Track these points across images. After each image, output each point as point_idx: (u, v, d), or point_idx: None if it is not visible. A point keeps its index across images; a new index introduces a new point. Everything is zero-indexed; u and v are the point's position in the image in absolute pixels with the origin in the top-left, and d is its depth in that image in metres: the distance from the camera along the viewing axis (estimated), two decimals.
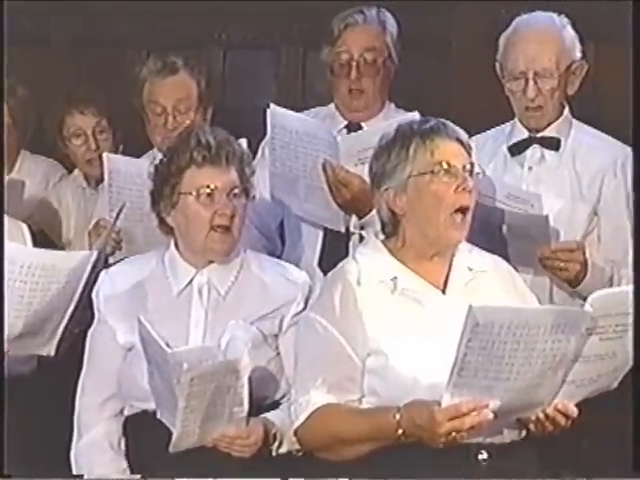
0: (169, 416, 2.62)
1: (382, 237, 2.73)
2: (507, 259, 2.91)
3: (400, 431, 2.53)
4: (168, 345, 2.61)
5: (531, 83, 3.10)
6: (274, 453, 2.72)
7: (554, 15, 3.17)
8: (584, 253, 3.03)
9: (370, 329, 2.62)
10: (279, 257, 3.27)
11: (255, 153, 3.34)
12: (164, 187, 2.79)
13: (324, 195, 3.16)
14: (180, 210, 2.78)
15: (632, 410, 2.52)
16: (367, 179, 2.83)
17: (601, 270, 3.07)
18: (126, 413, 2.82)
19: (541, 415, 2.51)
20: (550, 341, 2.40)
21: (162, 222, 2.84)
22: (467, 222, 2.65)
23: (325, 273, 2.95)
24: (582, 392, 2.51)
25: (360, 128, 3.34)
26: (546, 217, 2.99)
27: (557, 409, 2.50)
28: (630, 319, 2.42)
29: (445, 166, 2.62)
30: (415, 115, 2.93)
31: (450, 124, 2.68)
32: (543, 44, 3.11)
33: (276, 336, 2.84)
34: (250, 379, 2.64)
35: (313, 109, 3.46)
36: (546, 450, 2.62)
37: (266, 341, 2.82)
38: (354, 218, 3.17)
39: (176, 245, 2.85)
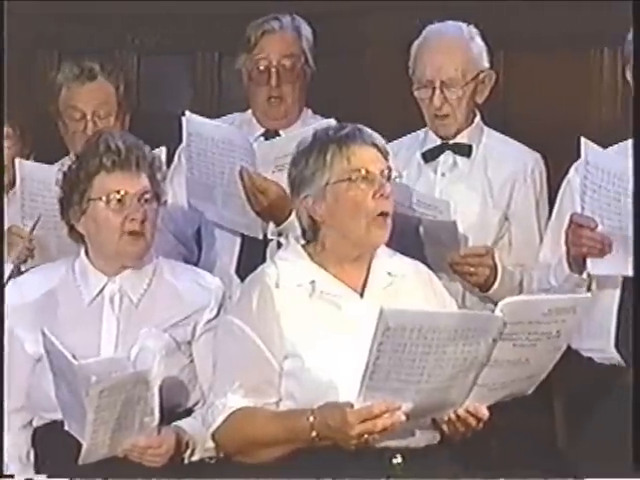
0: (78, 427, 2.61)
1: (303, 242, 2.74)
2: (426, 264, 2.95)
3: (314, 433, 2.55)
4: (75, 357, 2.58)
5: (437, 92, 3.15)
6: (186, 461, 2.71)
7: (463, 25, 3.23)
8: (493, 258, 3.08)
9: (287, 332, 2.63)
10: (196, 264, 3.27)
11: (172, 159, 3.35)
12: (73, 193, 2.77)
13: (241, 202, 3.15)
14: (90, 216, 2.77)
15: (632, 410, 2.55)
16: (285, 186, 2.85)
17: (511, 274, 3.12)
18: (35, 424, 2.78)
19: (452, 416, 2.53)
20: (461, 344, 2.43)
21: (72, 229, 2.82)
22: (389, 225, 2.67)
23: (242, 280, 2.95)
24: (494, 395, 2.54)
25: (278, 135, 3.35)
26: (454, 222, 3.04)
27: (468, 411, 2.52)
28: (542, 328, 2.45)
29: (362, 173, 2.64)
30: (331, 121, 2.94)
31: (366, 130, 2.70)
32: (450, 54, 3.16)
33: (189, 343, 2.83)
34: (162, 387, 2.63)
35: (230, 115, 3.46)
36: (460, 453, 2.64)
37: (179, 348, 2.81)
38: (271, 225, 3.17)
39: (86, 253, 2.83)
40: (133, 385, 2.55)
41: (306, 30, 3.39)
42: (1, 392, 2.69)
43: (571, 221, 2.84)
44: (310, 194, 2.67)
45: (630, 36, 2.93)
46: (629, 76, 2.98)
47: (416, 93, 3.20)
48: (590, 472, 2.73)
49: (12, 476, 2.67)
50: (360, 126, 2.70)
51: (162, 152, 2.99)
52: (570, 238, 2.84)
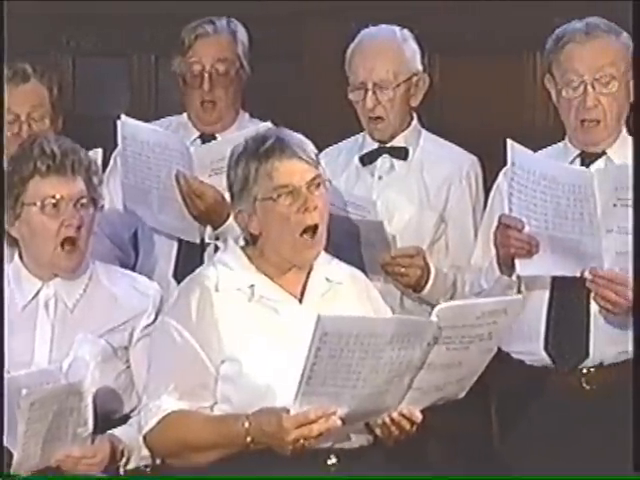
0: (11, 439, 2.58)
1: (242, 244, 2.74)
2: (361, 267, 2.96)
3: (249, 439, 2.55)
4: (11, 363, 2.57)
5: (369, 94, 3.17)
6: (121, 470, 2.70)
7: (396, 28, 3.25)
8: (424, 258, 3.11)
9: (225, 336, 2.63)
10: (133, 268, 3.25)
11: (107, 163, 3.33)
12: (7, 198, 2.73)
13: (178, 206, 3.15)
14: (24, 221, 2.74)
15: (632, 410, 2.56)
16: (222, 189, 2.85)
17: (444, 276, 3.15)
18: None
19: (387, 419, 2.55)
20: (397, 349, 2.45)
21: (6, 234, 2.77)
22: (319, 239, 2.67)
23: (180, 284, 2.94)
24: (428, 399, 2.57)
25: (214, 138, 3.34)
26: (381, 223, 3.07)
27: (402, 414, 2.54)
28: (475, 331, 2.49)
29: (285, 189, 2.63)
30: (268, 125, 2.93)
31: (289, 141, 2.66)
32: (381, 56, 3.18)
33: (126, 349, 2.82)
34: (98, 394, 2.61)
35: (166, 119, 3.45)
36: (394, 454, 2.66)
37: (115, 354, 2.79)
38: (209, 229, 3.17)
39: (20, 257, 2.80)
40: (65, 397, 2.54)
41: (242, 34, 3.38)
42: (1, 392, 2.62)
43: (500, 222, 2.88)
44: (243, 209, 2.67)
45: (549, 44, 2.99)
46: (547, 83, 3.02)
47: (350, 95, 3.22)
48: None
49: (12, 476, 2.63)
50: (283, 137, 2.66)
51: (98, 154, 2.97)
52: (499, 239, 2.88)
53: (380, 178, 3.24)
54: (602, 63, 2.91)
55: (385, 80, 3.15)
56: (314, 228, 2.65)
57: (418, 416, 2.55)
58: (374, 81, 3.15)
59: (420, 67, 3.22)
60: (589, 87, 2.91)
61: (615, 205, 2.73)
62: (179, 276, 3.17)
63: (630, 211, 2.74)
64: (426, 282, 3.10)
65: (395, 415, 2.54)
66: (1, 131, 3.19)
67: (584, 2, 3.20)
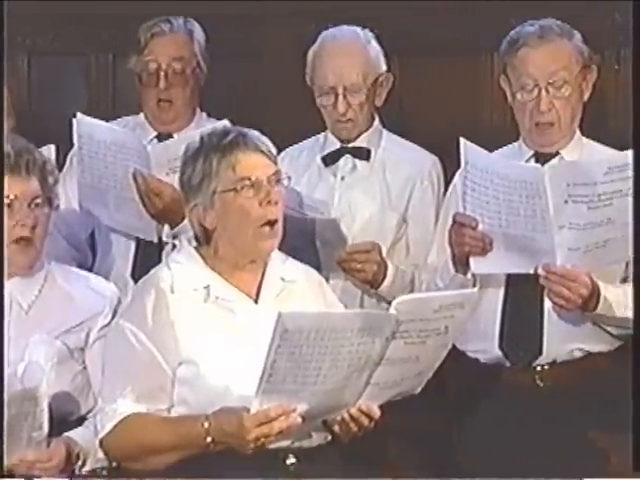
0: None
1: (195, 244, 2.72)
2: (318, 267, 2.97)
3: (209, 439, 2.53)
4: None
5: (340, 98, 3.17)
6: (77, 472, 2.67)
7: (358, 29, 3.26)
8: (380, 254, 3.11)
9: (182, 338, 2.61)
10: (90, 268, 3.23)
11: (64, 162, 3.29)
12: None
13: (135, 205, 3.13)
14: None
15: (632, 410, 2.57)
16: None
17: (402, 272, 3.16)
18: None
19: (346, 416, 2.55)
20: (356, 344, 2.45)
21: None
22: (277, 232, 2.67)
23: None
24: (386, 394, 2.57)
25: (171, 137, 3.31)
26: (334, 220, 3.08)
27: (360, 410, 2.54)
28: (432, 325, 2.49)
29: (248, 182, 2.62)
30: (225, 123, 2.93)
31: (251, 135, 2.67)
32: (350, 59, 3.19)
33: (82, 350, 2.79)
34: (54, 395, 2.59)
35: (123, 118, 3.43)
36: (353, 452, 2.66)
37: (72, 355, 2.76)
38: (167, 227, 3.16)
39: None
40: (20, 402, 2.52)
41: (199, 33, 3.37)
42: (1, 391, 2.59)
43: (454, 221, 2.89)
44: (199, 203, 2.65)
45: (504, 46, 3.02)
46: (502, 84, 3.05)
47: (318, 100, 3.22)
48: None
49: (13, 476, 2.60)
50: (245, 131, 2.67)
51: (51, 150, 2.93)
52: (453, 238, 2.90)
53: (342, 178, 3.25)
54: (555, 67, 2.95)
55: (356, 83, 3.17)
56: (274, 223, 2.64)
57: (376, 412, 2.55)
58: (345, 85, 3.16)
59: (384, 67, 3.24)
60: (543, 91, 2.95)
61: (566, 202, 2.75)
62: (137, 276, 3.14)
63: (609, 209, 2.74)
64: (383, 278, 3.11)
65: (354, 411, 2.54)
66: (1, 129, 3.15)
67: (585, 2, 3.19)
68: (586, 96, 3.01)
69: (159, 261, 3.08)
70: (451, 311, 2.50)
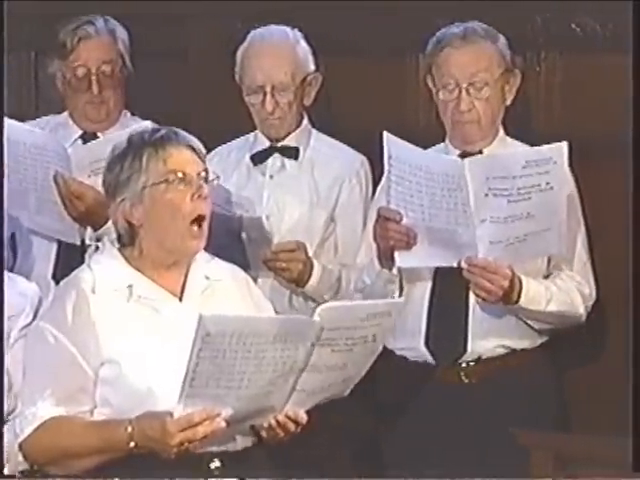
0: None
1: (118, 246, 2.69)
2: (247, 266, 2.96)
3: (132, 443, 2.51)
4: None
5: (269, 97, 3.17)
6: None
7: (287, 29, 3.26)
8: (306, 252, 3.12)
9: (103, 338, 2.58)
10: (11, 270, 3.14)
11: None
12: None
13: (57, 207, 3.10)
14: None
15: (632, 410, 2.59)
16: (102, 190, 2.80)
17: (329, 271, 3.17)
18: None
19: (273, 422, 2.54)
20: (279, 349, 2.44)
21: None
22: (204, 231, 2.65)
23: None
24: (313, 400, 2.56)
25: (96, 137, 3.30)
26: (259, 218, 3.08)
27: (287, 416, 2.54)
28: (359, 333, 2.49)
29: (179, 175, 2.62)
30: (147, 124, 2.91)
31: (182, 132, 2.68)
32: (278, 58, 3.19)
33: None
34: None
35: (44, 118, 3.40)
36: (277, 453, 2.65)
37: None
38: (89, 230, 3.13)
39: None
40: None
41: (121, 32, 3.35)
42: (1, 392, 2.56)
43: (379, 215, 2.90)
44: (127, 197, 2.63)
45: (430, 46, 3.05)
46: (429, 83, 3.08)
47: (247, 99, 3.21)
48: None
49: (13, 476, 2.56)
50: (175, 129, 2.67)
51: None
52: (378, 232, 2.91)
53: (271, 177, 3.25)
54: (476, 69, 2.99)
55: (284, 83, 3.17)
56: (202, 220, 2.63)
57: (303, 417, 2.54)
58: (273, 84, 3.16)
59: (313, 67, 3.25)
60: (464, 91, 2.99)
61: (487, 195, 2.78)
62: (59, 277, 3.10)
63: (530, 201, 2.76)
64: (309, 277, 3.11)
65: (280, 418, 2.53)
66: (1, 129, 3.09)
67: (585, 2, 3.22)
68: (509, 99, 3.06)
69: (81, 263, 3.03)
70: (378, 319, 2.50)
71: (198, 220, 2.63)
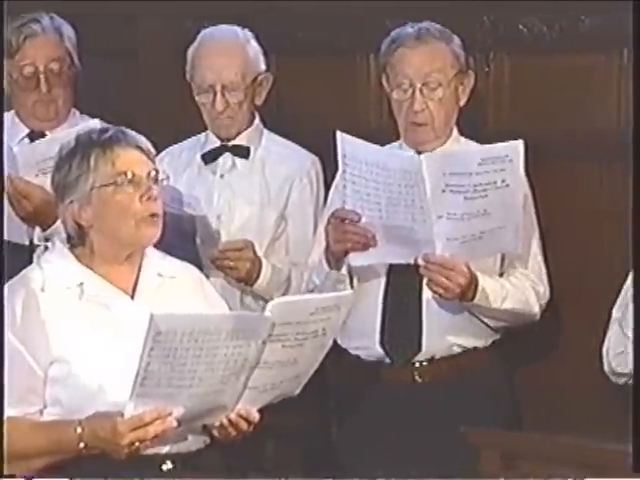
0: None
1: (68, 245, 2.66)
2: (200, 264, 2.94)
3: (82, 444, 2.48)
4: None
5: (219, 96, 3.16)
6: None
7: (237, 29, 3.25)
8: (254, 251, 3.11)
9: (53, 337, 2.55)
10: None
11: None
12: None
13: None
14: None
15: (632, 410, 2.55)
16: (49, 190, 2.76)
17: (278, 270, 3.16)
18: None
19: (225, 421, 2.52)
20: (231, 346, 2.43)
21: None
22: (158, 223, 2.63)
23: None
24: (265, 397, 2.55)
25: (44, 136, 3.26)
26: (205, 217, 3.06)
27: (239, 415, 2.52)
28: (309, 327, 2.48)
29: (128, 176, 2.60)
30: (96, 122, 2.89)
31: (130, 132, 2.65)
32: (228, 58, 3.18)
33: None
34: None
35: None
36: (230, 454, 2.63)
37: None
38: (37, 230, 3.09)
39: None
40: None
41: (67, 30, 3.33)
42: (1, 391, 2.49)
43: (334, 217, 2.89)
44: (75, 199, 2.60)
45: (384, 46, 3.05)
46: (384, 83, 3.09)
47: (197, 98, 3.20)
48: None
49: (13, 476, 2.50)
50: (123, 128, 2.65)
51: None
52: (332, 235, 2.90)
53: (222, 176, 3.24)
54: (430, 69, 3.00)
55: (234, 82, 3.16)
56: (155, 217, 2.61)
57: (255, 416, 2.53)
58: (223, 83, 3.15)
59: (264, 66, 3.24)
60: (417, 92, 2.99)
61: (444, 191, 2.78)
62: (6, 278, 3.05)
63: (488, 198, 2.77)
64: (258, 275, 3.10)
65: (233, 417, 2.51)
66: (1, 128, 3.05)
67: (585, 2, 3.24)
68: (463, 100, 3.07)
69: (30, 263, 3.02)
70: (327, 313, 2.49)
71: (151, 217, 2.61)
